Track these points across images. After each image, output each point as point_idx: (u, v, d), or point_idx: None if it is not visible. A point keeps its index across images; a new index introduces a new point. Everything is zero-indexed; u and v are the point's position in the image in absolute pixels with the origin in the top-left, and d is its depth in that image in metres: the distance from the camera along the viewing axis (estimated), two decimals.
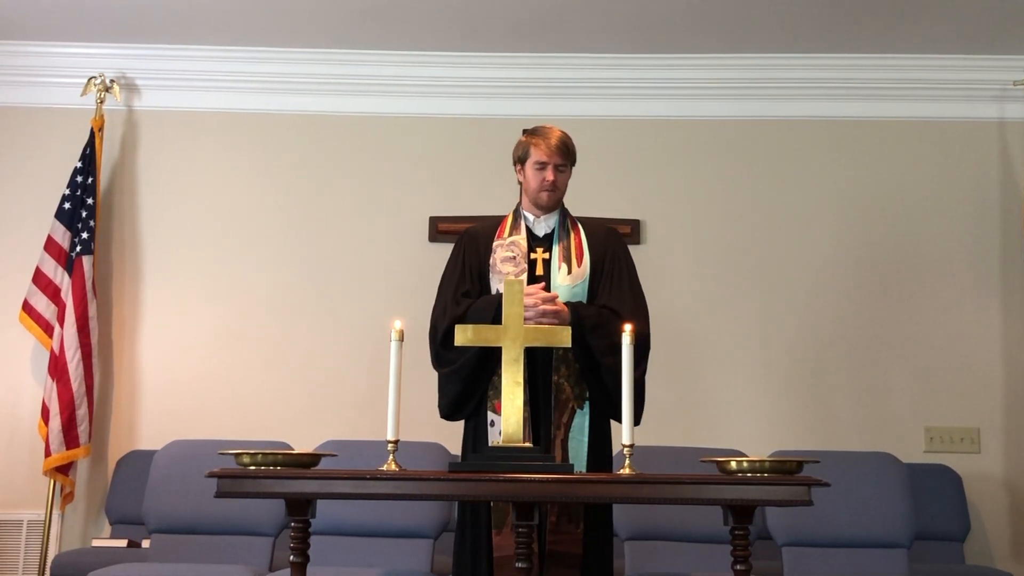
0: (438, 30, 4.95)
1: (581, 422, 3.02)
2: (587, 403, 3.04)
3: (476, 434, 3.11)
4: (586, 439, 3.00)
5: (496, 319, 2.90)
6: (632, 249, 4.99)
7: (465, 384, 3.08)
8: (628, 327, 2.63)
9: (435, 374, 4.45)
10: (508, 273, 3.08)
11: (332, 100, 5.24)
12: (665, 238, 5.10)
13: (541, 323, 2.91)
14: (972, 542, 4.68)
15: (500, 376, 2.94)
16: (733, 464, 2.53)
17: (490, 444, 2.97)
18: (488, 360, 3.01)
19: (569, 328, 2.74)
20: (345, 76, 5.20)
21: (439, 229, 5.09)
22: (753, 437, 4.74)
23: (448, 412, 3.17)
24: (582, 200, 5.07)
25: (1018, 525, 4.82)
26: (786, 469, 2.50)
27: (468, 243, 3.24)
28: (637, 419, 3.10)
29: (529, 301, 2.90)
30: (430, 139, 5.23)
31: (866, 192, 5.12)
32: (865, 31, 4.85)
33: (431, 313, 3.20)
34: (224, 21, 4.91)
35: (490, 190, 5.13)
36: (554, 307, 2.97)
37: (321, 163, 5.22)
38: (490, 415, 3.04)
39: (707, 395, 4.96)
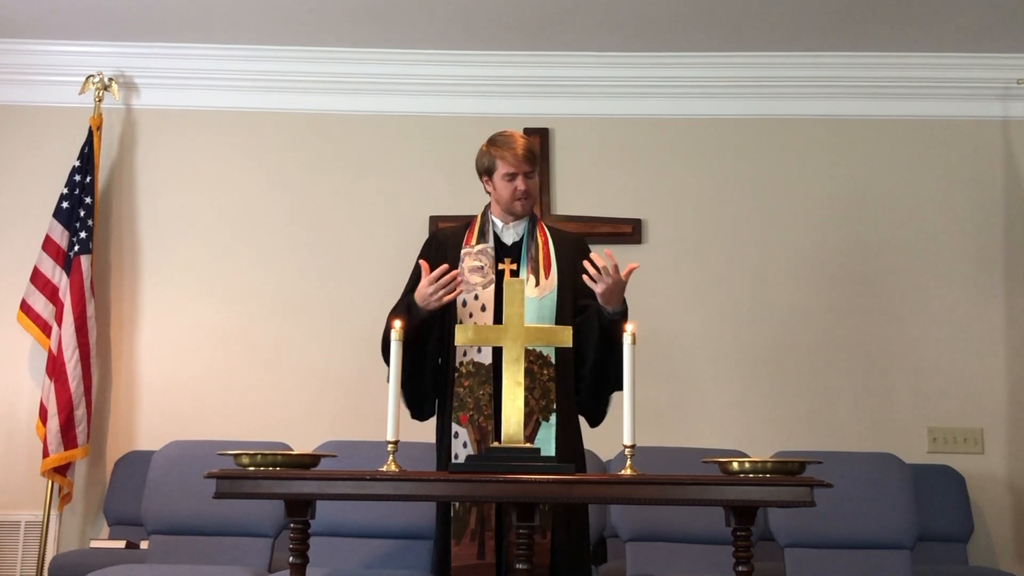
0: (438, 28, 4.93)
1: (547, 435, 2.96)
2: (553, 415, 2.99)
3: (442, 445, 3.08)
4: (553, 451, 2.93)
5: (410, 314, 2.96)
6: (633, 248, 5.01)
7: (411, 382, 3.07)
8: (629, 327, 2.62)
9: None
10: (476, 284, 3.06)
11: (332, 98, 5.23)
12: (667, 237, 5.08)
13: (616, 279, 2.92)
14: (975, 543, 4.66)
15: (466, 388, 2.95)
16: (735, 465, 2.51)
17: (454, 455, 2.96)
18: (420, 347, 3.03)
19: (570, 328, 2.72)
20: (345, 74, 5.19)
21: (439, 228, 5.07)
22: (755, 438, 4.73)
23: (412, 414, 3.17)
24: (583, 200, 5.11)
25: (1022, 526, 4.80)
26: (788, 470, 2.49)
27: (436, 249, 3.20)
28: (602, 416, 3.14)
29: (610, 264, 2.91)
30: (430, 138, 5.21)
31: (869, 191, 5.11)
32: (868, 29, 4.84)
33: None
34: (223, 19, 4.89)
35: None
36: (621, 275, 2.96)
37: (321, 162, 5.21)
38: (454, 427, 3.01)
39: (709, 395, 4.94)
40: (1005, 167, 5.10)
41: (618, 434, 2.59)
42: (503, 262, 3.12)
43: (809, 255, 5.06)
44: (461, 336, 2.67)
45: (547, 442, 2.94)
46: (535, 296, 3.05)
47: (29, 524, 4.80)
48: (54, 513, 4.76)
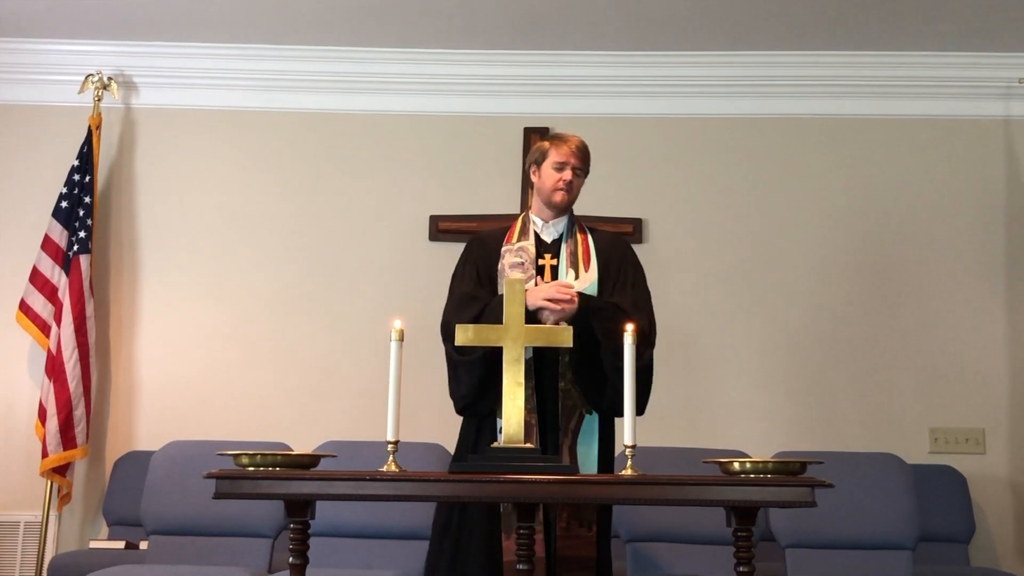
0: (438, 27, 4.92)
1: (590, 427, 2.99)
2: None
3: (480, 435, 3.06)
4: (596, 444, 2.97)
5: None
6: (634, 247, 4.98)
7: (486, 372, 3.00)
8: (630, 327, 2.60)
9: (436, 373, 4.41)
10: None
11: (332, 98, 5.21)
12: (667, 237, 5.07)
13: (554, 311, 2.94)
14: (977, 543, 4.64)
15: None
16: (736, 465, 2.50)
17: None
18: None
19: (571, 328, 2.72)
20: (345, 73, 5.18)
21: (439, 228, 5.07)
22: (756, 438, 4.72)
23: (465, 404, 3.10)
24: (583, 199, 5.05)
25: (1023, 526, 4.79)
26: (789, 470, 2.47)
27: (477, 248, 3.25)
28: (642, 409, 3.08)
29: (557, 298, 2.93)
30: (431, 137, 5.20)
31: (870, 190, 5.10)
32: (869, 28, 4.83)
33: (443, 313, 3.19)
34: (222, 18, 4.88)
35: (491, 189, 5.11)
36: (567, 296, 2.96)
37: (320, 161, 5.20)
38: (500, 422, 2.99)
39: (710, 395, 4.93)
40: (1007, 166, 5.09)
41: (619, 434, 2.58)
42: (543, 258, 3.15)
43: (810, 255, 5.05)
44: (461, 336, 2.67)
45: (591, 435, 2.98)
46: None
47: (28, 524, 4.79)
48: (53, 513, 4.75)
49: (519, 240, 3.19)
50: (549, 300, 2.95)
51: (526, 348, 2.97)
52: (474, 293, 3.12)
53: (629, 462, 2.51)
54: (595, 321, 2.98)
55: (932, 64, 5.05)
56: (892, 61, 5.05)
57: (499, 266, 3.15)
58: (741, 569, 2.50)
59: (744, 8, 4.68)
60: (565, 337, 2.67)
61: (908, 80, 5.09)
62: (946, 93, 5.09)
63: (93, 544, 4.46)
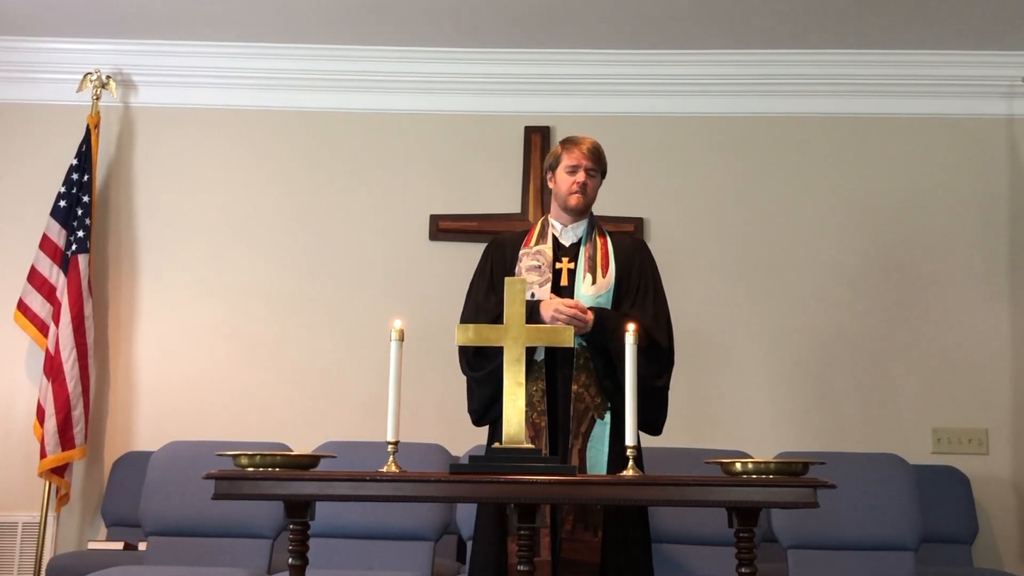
0: (438, 25, 4.91)
1: (601, 432, 2.97)
2: (608, 413, 3.00)
3: (492, 439, 3.06)
4: (606, 449, 2.95)
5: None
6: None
7: (497, 388, 3.02)
8: (632, 326, 2.59)
9: (436, 373, 4.41)
10: (533, 282, 3.08)
11: (331, 96, 5.20)
12: (668, 236, 5.05)
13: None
14: (980, 544, 4.63)
15: (530, 382, 2.93)
16: (738, 466, 2.49)
17: None
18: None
19: (571, 328, 2.71)
20: (344, 72, 5.16)
21: (440, 227, 5.05)
22: (758, 438, 4.70)
23: (480, 416, 3.15)
24: None
25: None
26: (791, 471, 2.46)
27: (495, 252, 3.26)
28: (658, 429, 3.09)
29: (563, 315, 2.93)
30: (431, 136, 5.19)
31: (872, 189, 5.08)
32: (871, 27, 4.81)
33: (460, 319, 3.16)
34: (221, 16, 4.87)
35: (491, 188, 5.09)
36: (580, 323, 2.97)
37: (320, 160, 5.18)
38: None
39: (712, 396, 4.92)
40: (1010, 165, 5.07)
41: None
42: (560, 261, 3.16)
43: (811, 254, 5.04)
44: (461, 336, 2.66)
45: (601, 440, 2.96)
46: (591, 294, 3.08)
47: (26, 525, 4.77)
48: (51, 514, 4.73)
49: (537, 244, 3.20)
50: (561, 320, 2.93)
51: (538, 349, 2.98)
52: (486, 305, 3.11)
53: (630, 462, 2.50)
54: (611, 342, 2.97)
55: (935, 62, 5.03)
56: (895, 59, 5.03)
57: (516, 269, 3.15)
58: (743, 570, 2.49)
59: (745, 6, 4.66)
60: (566, 337, 2.66)
61: (911, 78, 5.07)
62: (949, 92, 5.08)
63: (91, 545, 4.45)
